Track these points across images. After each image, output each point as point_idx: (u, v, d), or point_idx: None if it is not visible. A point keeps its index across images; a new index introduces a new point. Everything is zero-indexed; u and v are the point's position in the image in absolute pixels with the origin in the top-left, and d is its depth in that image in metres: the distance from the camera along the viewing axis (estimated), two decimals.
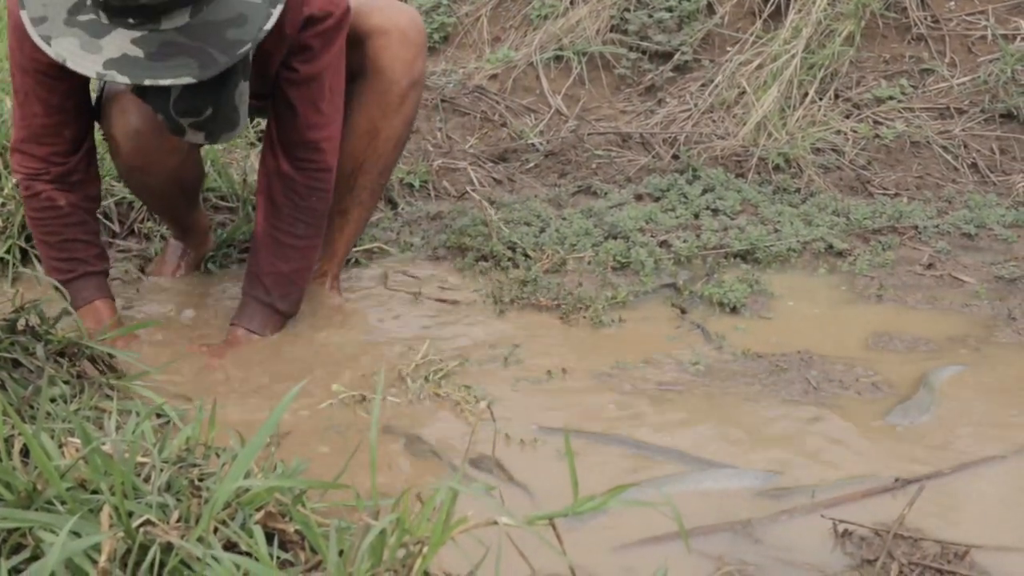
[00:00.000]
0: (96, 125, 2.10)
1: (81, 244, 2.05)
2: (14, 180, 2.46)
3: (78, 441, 1.37)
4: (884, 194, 3.18)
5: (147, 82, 1.63)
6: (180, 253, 2.47)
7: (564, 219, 2.81)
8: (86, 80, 1.96)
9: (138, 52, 1.64)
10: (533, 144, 3.45)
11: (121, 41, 1.65)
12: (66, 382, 1.71)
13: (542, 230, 2.74)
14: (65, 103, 1.94)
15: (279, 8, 1.72)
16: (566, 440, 0.98)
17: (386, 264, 2.60)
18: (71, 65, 1.65)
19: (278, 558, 1.20)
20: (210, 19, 1.67)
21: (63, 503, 1.23)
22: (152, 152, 2.03)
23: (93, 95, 2.06)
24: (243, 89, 1.85)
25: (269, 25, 1.70)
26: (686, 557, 1.38)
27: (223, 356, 2.01)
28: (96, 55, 1.64)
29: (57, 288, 2.01)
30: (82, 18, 1.67)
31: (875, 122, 3.55)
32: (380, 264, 2.59)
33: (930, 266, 2.66)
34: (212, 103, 1.80)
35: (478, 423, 1.33)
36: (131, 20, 1.64)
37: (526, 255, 2.57)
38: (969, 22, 3.79)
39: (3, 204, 2.45)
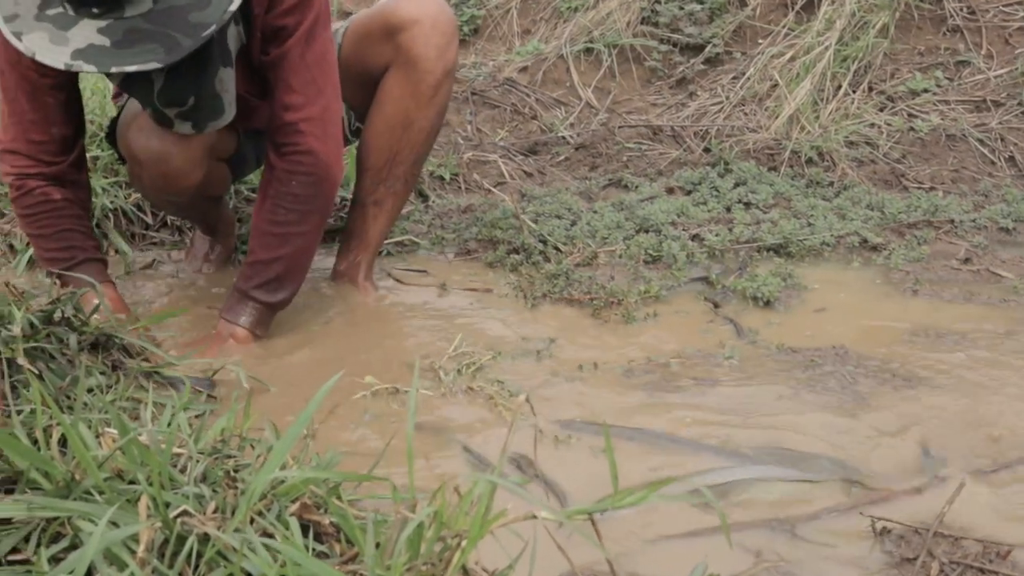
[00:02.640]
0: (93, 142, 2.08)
1: (79, 234, 2.03)
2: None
3: (115, 431, 1.37)
4: (919, 188, 3.15)
5: (113, 69, 1.63)
6: (208, 247, 2.48)
7: (595, 212, 2.80)
8: (71, 77, 1.95)
9: (104, 41, 1.64)
10: (563, 137, 3.44)
11: (87, 31, 1.65)
12: (102, 372, 1.72)
13: (573, 223, 2.73)
14: (48, 99, 1.93)
15: None
16: (605, 434, 0.97)
17: (417, 256, 2.59)
18: (40, 58, 1.65)
19: (313, 550, 1.20)
20: (173, 4, 1.66)
21: (101, 493, 1.23)
22: (178, 171, 2.00)
23: (107, 119, 2.06)
24: (224, 76, 1.84)
25: (233, 7, 1.68)
26: (724, 551, 1.36)
27: (212, 352, 1.97)
28: (64, 47, 1.65)
29: (55, 277, 1.99)
30: (50, 12, 1.67)
31: (910, 115, 3.51)
32: (411, 256, 2.59)
33: (967, 260, 2.63)
34: (194, 91, 1.81)
35: (515, 419, 1.32)
36: (95, 10, 1.64)
37: (557, 248, 2.56)
38: (1007, 13, 3.74)
39: None
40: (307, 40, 1.93)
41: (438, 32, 2.16)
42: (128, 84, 1.82)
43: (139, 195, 2.61)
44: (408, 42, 2.16)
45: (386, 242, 2.53)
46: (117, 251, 2.52)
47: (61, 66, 1.64)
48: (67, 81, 1.95)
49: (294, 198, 1.99)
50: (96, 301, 1.91)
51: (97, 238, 2.10)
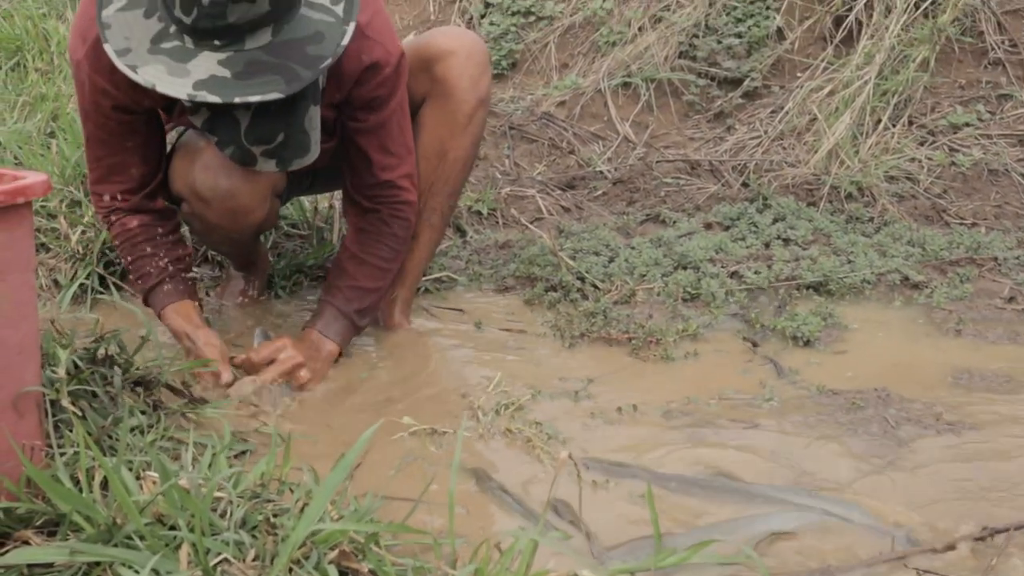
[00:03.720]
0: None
1: (152, 258, 2.09)
2: (93, 210, 2.53)
3: (155, 474, 1.39)
4: (961, 224, 3.11)
5: (237, 100, 1.66)
6: (244, 284, 2.50)
7: (633, 248, 2.79)
8: (150, 120, 2.01)
9: (225, 72, 1.68)
10: (601, 171, 3.44)
11: (208, 63, 1.68)
12: (142, 412, 1.74)
13: (611, 260, 2.72)
14: (126, 143, 2.00)
15: (352, 26, 1.76)
16: (648, 493, 0.96)
17: (454, 292, 2.60)
18: (161, 89, 1.68)
19: None
20: (290, 37, 1.71)
21: (142, 538, 1.24)
22: (245, 208, 2.06)
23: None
24: (313, 114, 1.87)
25: (345, 41, 1.74)
26: None
27: (298, 351, 2.02)
28: (184, 78, 1.68)
29: (142, 304, 2.10)
30: (166, 46, 1.71)
31: (951, 149, 3.47)
32: (448, 292, 2.60)
33: (1011, 299, 2.59)
34: (283, 128, 1.83)
35: (560, 469, 1.31)
36: (217, 42, 1.68)
37: (595, 286, 2.56)
38: None
39: (84, 232, 2.51)
40: (400, 108, 2.06)
41: (472, 62, 2.22)
42: (213, 124, 1.85)
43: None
44: (443, 72, 2.21)
45: (424, 279, 2.54)
46: None
47: (184, 96, 1.67)
48: (144, 125, 2.01)
49: (395, 239, 2.16)
50: (178, 320, 2.02)
51: (181, 255, 2.13)
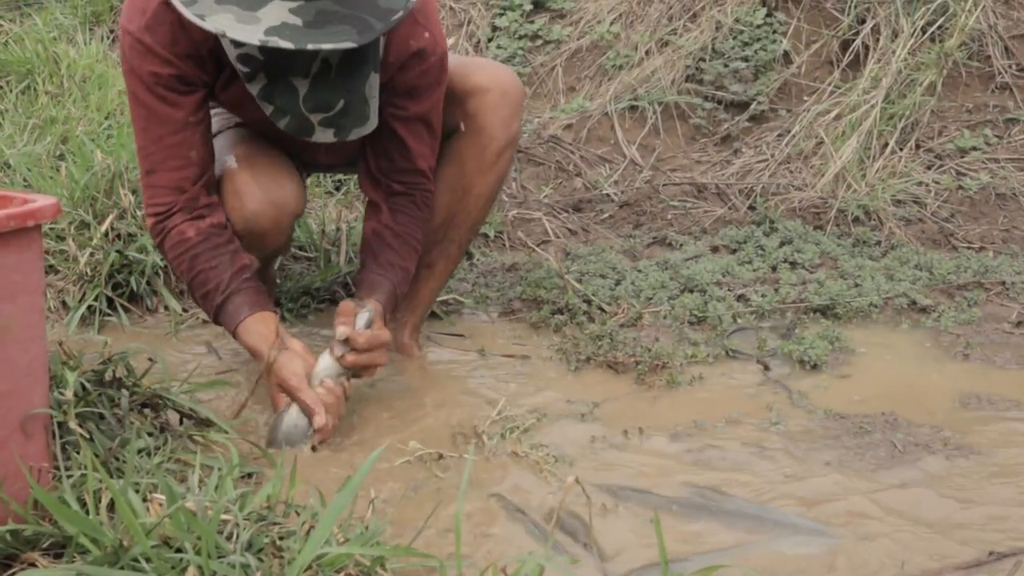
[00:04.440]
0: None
1: (214, 271, 1.96)
2: (102, 229, 2.54)
3: (162, 496, 1.39)
4: (968, 248, 3.11)
5: (310, 46, 1.64)
6: None
7: (639, 271, 2.79)
8: (201, 106, 1.95)
9: (296, 20, 1.66)
10: (608, 194, 3.45)
11: (278, 11, 1.67)
12: (149, 433, 1.74)
13: (617, 283, 2.72)
14: (190, 118, 1.92)
15: None
16: (656, 520, 0.96)
17: (461, 315, 2.60)
18: (231, 35, 1.65)
19: None
20: None
21: (148, 560, 1.24)
22: (265, 234, 2.07)
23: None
24: (373, 81, 1.86)
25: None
26: None
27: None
28: (255, 25, 1.66)
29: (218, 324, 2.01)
30: None
31: (958, 173, 3.48)
32: (455, 315, 2.60)
33: (1019, 324, 2.58)
34: (344, 95, 1.82)
35: (568, 493, 1.30)
36: None
37: (601, 309, 2.56)
38: None
39: (92, 254, 2.52)
40: (440, 101, 2.07)
41: (507, 102, 2.20)
42: (270, 92, 1.82)
43: None
44: (476, 109, 2.19)
45: (437, 296, 2.54)
46: (167, 308, 2.56)
47: (256, 41, 1.65)
48: (196, 108, 1.93)
49: (426, 223, 2.17)
50: (252, 338, 1.92)
51: (243, 263, 1.99)
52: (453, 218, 2.26)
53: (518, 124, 2.24)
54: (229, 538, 1.32)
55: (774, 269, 2.89)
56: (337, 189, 3.34)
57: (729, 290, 2.70)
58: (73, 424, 1.52)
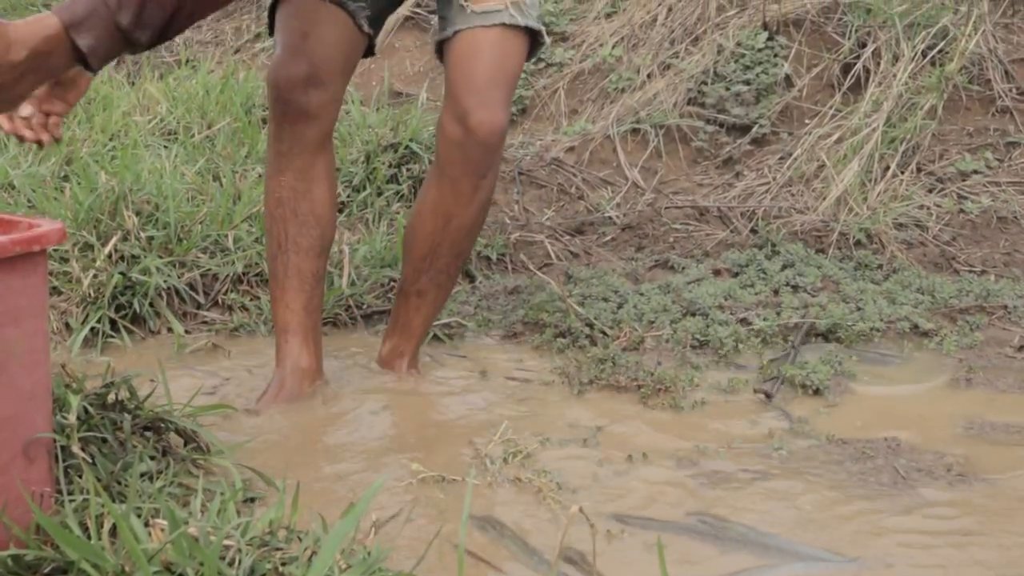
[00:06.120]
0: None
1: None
2: (106, 250, 2.54)
3: (164, 522, 1.39)
4: (970, 271, 3.11)
5: None
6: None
7: (641, 295, 2.80)
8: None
9: None
10: (610, 217, 3.46)
11: None
12: (152, 457, 1.74)
13: (620, 306, 2.73)
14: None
15: None
16: (659, 544, 0.96)
17: (463, 338, 2.61)
18: None
19: None
20: None
21: None
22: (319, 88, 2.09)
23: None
24: None
25: None
26: None
27: None
28: None
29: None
30: None
31: (959, 196, 3.49)
32: (457, 338, 2.60)
33: (1021, 348, 2.58)
34: None
35: (571, 522, 1.30)
36: None
37: (604, 332, 2.56)
38: None
39: (95, 275, 2.52)
40: None
41: (479, 149, 2.11)
42: None
43: (191, 273, 2.66)
44: (445, 150, 2.13)
45: (433, 323, 2.54)
46: (170, 330, 2.57)
47: None
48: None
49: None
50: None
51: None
52: (438, 247, 2.20)
53: (495, 161, 2.17)
54: (231, 564, 1.32)
55: (776, 292, 2.89)
56: (340, 211, 3.35)
57: (731, 313, 2.70)
58: (76, 448, 1.52)
